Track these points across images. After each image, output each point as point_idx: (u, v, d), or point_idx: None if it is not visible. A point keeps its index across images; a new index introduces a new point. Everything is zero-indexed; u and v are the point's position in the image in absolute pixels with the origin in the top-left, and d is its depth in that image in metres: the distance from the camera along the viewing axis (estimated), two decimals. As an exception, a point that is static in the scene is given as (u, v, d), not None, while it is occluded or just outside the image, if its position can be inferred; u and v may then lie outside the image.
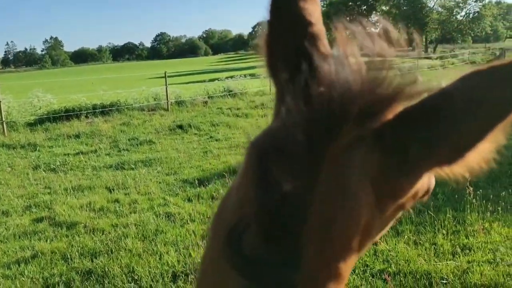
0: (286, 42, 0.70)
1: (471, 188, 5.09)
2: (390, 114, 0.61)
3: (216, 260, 0.65)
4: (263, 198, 0.59)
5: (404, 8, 67.22)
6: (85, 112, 14.27)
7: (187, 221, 5.59)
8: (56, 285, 4.39)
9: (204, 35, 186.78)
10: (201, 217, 5.67)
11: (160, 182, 7.44)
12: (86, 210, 6.37)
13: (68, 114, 14.06)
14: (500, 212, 5.03)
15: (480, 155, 0.62)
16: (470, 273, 4.00)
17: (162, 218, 5.82)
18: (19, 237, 5.58)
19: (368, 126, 0.60)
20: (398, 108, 0.61)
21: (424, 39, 70.00)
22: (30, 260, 4.95)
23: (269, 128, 0.66)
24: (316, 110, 0.59)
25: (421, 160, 0.60)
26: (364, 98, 0.59)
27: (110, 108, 14.68)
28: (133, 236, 5.29)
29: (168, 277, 4.33)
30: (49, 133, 12.46)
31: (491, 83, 0.60)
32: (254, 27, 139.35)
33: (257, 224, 0.60)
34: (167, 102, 15.65)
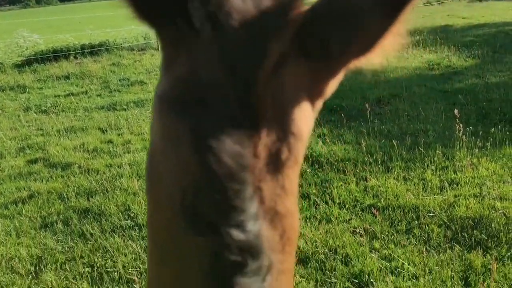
0: None
1: (461, 125, 5.15)
2: (298, 19, 0.58)
3: (167, 227, 0.64)
4: (205, 163, 0.57)
5: None
6: (74, 52, 13.93)
7: (181, 160, 5.65)
8: (54, 223, 4.50)
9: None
10: (195, 156, 5.74)
11: (152, 123, 7.43)
12: (80, 151, 6.40)
13: (56, 55, 13.73)
14: (488, 147, 5.12)
15: (393, 39, 0.61)
16: (456, 207, 4.14)
17: (156, 158, 5.87)
18: (15, 178, 5.64)
19: (286, 38, 0.57)
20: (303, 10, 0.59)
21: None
22: (27, 200, 5.04)
23: (173, 78, 0.61)
24: (232, 36, 0.56)
25: (342, 55, 0.60)
26: (275, 8, 0.57)
27: (99, 48, 14.33)
28: (128, 175, 5.36)
29: (163, 214, 4.44)
30: (37, 75, 12.24)
31: None
32: None
33: (209, 187, 0.58)
34: (157, 42, 15.29)
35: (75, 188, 5.20)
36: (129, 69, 12.17)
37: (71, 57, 13.73)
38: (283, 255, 0.64)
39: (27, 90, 10.72)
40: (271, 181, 0.62)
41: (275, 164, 0.62)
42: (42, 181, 5.50)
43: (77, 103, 9.17)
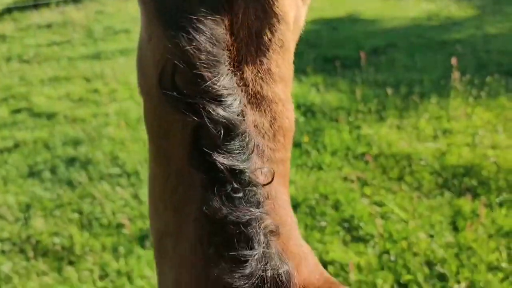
0: None
1: (457, 74, 5.04)
2: None
3: (155, 111, 0.69)
4: (179, 41, 0.59)
5: None
6: (55, 0, 13.37)
7: (169, 109, 5.52)
8: (41, 172, 4.41)
9: None
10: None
11: (140, 72, 7.21)
12: (65, 101, 6.22)
13: (37, 3, 13.17)
14: (483, 97, 5.04)
15: None
16: (448, 155, 4.09)
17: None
18: (-1, 128, 5.48)
19: None
20: None
21: None
22: (13, 149, 4.92)
23: None
24: None
25: None
26: None
27: (82, -4, 13.77)
28: (115, 124, 5.22)
29: (152, 162, 4.35)
30: (18, 24, 11.75)
31: None
32: None
33: (185, 65, 0.58)
34: None
35: (61, 137, 5.07)
36: (114, 17, 11.73)
37: (53, 5, 13.17)
38: (275, 143, 0.64)
39: (7, 40, 10.31)
40: (253, 63, 0.62)
41: (257, 45, 0.62)
42: (27, 130, 5.35)
43: (60, 52, 8.85)
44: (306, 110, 5.12)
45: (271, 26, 0.63)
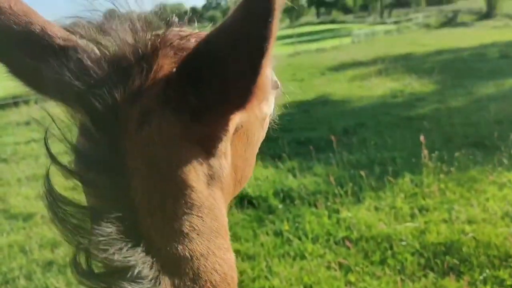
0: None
1: (426, 151, 5.24)
2: (162, 72, 0.63)
3: None
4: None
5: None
6: (34, 97, 13.62)
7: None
8: (16, 279, 4.25)
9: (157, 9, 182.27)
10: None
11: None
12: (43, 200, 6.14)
13: (16, 101, 13.42)
14: (454, 172, 5.22)
15: (264, 88, 0.61)
16: (427, 233, 4.15)
17: (123, 202, 5.69)
18: (-27, 234, 5.34)
19: (149, 94, 0.62)
20: (167, 64, 0.64)
21: (379, 5, 70.64)
22: (-14, 256, 4.76)
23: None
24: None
25: (215, 110, 0.63)
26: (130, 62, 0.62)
27: (60, 92, 14.10)
28: (94, 223, 5.15)
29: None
30: (-4, 122, 11.89)
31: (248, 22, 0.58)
32: None
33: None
34: None
35: (38, 239, 4.95)
36: (93, 112, 11.97)
37: (32, 102, 13.42)
38: None
39: (-15, 139, 10.35)
40: (160, 228, 0.65)
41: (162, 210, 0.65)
42: (3, 234, 5.21)
43: (38, 149, 8.88)
44: (284, 196, 5.18)
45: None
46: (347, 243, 4.09)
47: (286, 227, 4.49)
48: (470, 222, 4.29)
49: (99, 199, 0.63)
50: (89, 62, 0.61)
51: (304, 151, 6.55)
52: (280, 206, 4.95)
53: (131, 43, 0.63)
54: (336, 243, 4.21)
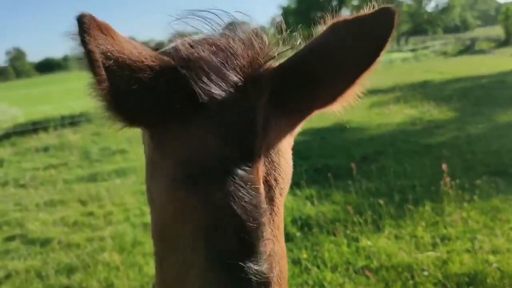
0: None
1: (447, 179, 5.15)
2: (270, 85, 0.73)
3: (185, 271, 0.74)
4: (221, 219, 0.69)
5: (374, 2, 68.24)
6: (53, 124, 13.89)
7: (165, 230, 5.47)
8: (32, 306, 4.22)
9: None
10: (180, 224, 5.56)
11: (135, 192, 7.27)
12: (60, 225, 6.18)
13: (36, 127, 13.67)
14: (476, 200, 5.10)
15: (352, 94, 0.78)
16: (450, 263, 4.03)
17: (140, 228, 5.68)
18: (-9, 258, 5.36)
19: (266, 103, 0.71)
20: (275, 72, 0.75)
21: (396, 32, 71.30)
22: (3, 280, 4.77)
23: (176, 162, 0.72)
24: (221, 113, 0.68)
25: (311, 107, 0.78)
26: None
27: (79, 119, 14.33)
28: (110, 249, 5.14)
29: (148, 289, 4.22)
30: (16, 148, 12.08)
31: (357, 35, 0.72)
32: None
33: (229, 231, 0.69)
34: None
35: (55, 265, 4.95)
36: (110, 138, 12.12)
37: (51, 129, 13.67)
38: None
39: (4, 164, 10.51)
40: (268, 222, 0.72)
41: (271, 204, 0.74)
42: (20, 259, 5.22)
43: (56, 175, 8.99)
44: (302, 224, 5.11)
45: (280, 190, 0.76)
46: (367, 272, 3.99)
47: (305, 255, 4.41)
48: (494, 252, 4.16)
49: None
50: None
51: (322, 179, 6.48)
52: (298, 234, 4.87)
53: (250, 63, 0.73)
54: (355, 272, 4.10)
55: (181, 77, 0.69)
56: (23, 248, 5.55)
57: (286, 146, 0.79)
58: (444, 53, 35.11)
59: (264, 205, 0.69)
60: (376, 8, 0.74)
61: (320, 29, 0.76)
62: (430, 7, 73.31)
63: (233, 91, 0.68)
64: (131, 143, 11.25)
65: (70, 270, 4.79)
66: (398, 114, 11.04)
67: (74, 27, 0.63)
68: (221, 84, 0.68)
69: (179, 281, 0.73)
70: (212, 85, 0.68)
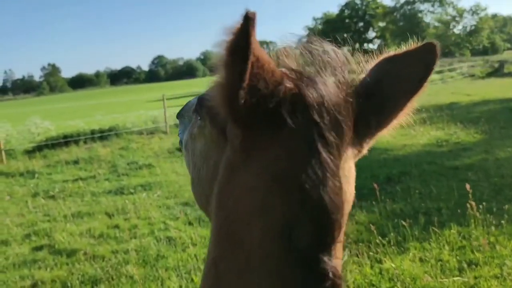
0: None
1: (473, 203, 5.05)
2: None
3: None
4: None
5: (401, 23, 68.12)
6: (84, 137, 14.25)
7: (188, 245, 5.52)
8: (57, 315, 4.30)
9: (202, 57, 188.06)
10: (203, 240, 5.60)
11: (160, 206, 7.37)
12: (86, 237, 6.30)
13: (67, 140, 14.05)
14: (504, 225, 4.98)
15: (404, 117, 0.89)
16: (478, 289, 3.93)
17: (163, 242, 5.75)
18: (19, 267, 5.50)
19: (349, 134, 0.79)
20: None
21: (422, 54, 70.57)
22: (29, 290, 4.87)
23: (270, 170, 0.77)
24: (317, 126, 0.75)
25: (374, 133, 0.87)
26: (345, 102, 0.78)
27: (108, 133, 14.66)
28: (134, 262, 5.21)
29: (170, 303, 4.25)
30: (47, 160, 12.42)
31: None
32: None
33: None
34: (166, 125, 15.64)
35: (80, 276, 5.04)
36: (138, 153, 12.35)
37: (81, 142, 14.02)
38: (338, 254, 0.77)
39: (36, 176, 10.81)
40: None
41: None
42: (46, 269, 5.35)
43: (85, 187, 9.19)
44: (325, 243, 5.07)
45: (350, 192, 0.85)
46: (391, 295, 3.93)
47: (327, 276, 4.36)
48: (524, 279, 4.04)
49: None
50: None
51: (346, 198, 6.43)
52: (321, 253, 4.84)
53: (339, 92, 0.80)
54: (379, 294, 4.04)
55: (299, 89, 0.77)
56: (50, 258, 5.68)
57: (352, 170, 0.85)
58: (472, 76, 34.56)
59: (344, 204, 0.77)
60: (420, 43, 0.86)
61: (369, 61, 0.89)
62: (457, 29, 72.45)
63: (333, 107, 0.76)
64: (157, 158, 11.43)
65: (94, 282, 4.87)
66: (424, 136, 10.90)
67: (236, 22, 0.67)
68: (327, 101, 0.76)
69: (242, 280, 0.77)
70: (320, 99, 0.76)
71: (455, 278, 4.16)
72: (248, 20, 0.66)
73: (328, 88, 0.77)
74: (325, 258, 0.71)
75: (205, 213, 1.06)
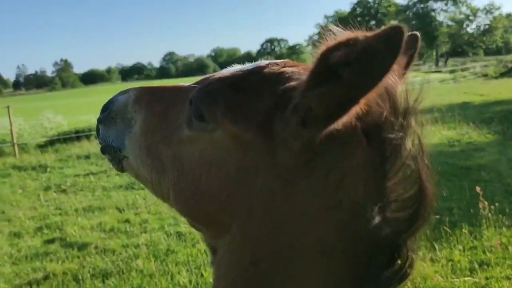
0: None
1: (486, 203, 5.00)
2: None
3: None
4: None
5: (414, 22, 67.55)
6: (95, 132, 14.33)
7: (198, 240, 5.55)
8: (68, 307, 4.35)
9: (213, 54, 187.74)
10: (213, 236, 5.60)
11: (170, 201, 7.39)
12: (97, 231, 6.36)
13: (78, 135, 14.16)
14: (517, 226, 4.93)
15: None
16: (489, 290, 3.90)
17: (173, 237, 5.78)
18: (31, 259, 5.57)
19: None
20: None
21: (434, 53, 69.84)
22: (41, 281, 4.93)
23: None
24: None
25: None
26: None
27: (119, 128, 14.73)
28: (144, 256, 5.25)
29: (180, 297, 4.27)
30: (59, 154, 12.54)
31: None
32: (262, 45, 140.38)
33: None
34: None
35: (91, 269, 5.09)
36: (149, 148, 12.37)
37: (93, 137, 14.12)
38: None
39: (48, 170, 10.92)
40: None
41: None
42: (58, 261, 5.41)
43: (96, 182, 9.26)
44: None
45: None
46: (401, 294, 3.91)
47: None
48: (536, 280, 4.00)
49: None
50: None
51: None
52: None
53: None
54: (388, 293, 4.02)
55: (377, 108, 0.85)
56: (61, 251, 5.74)
57: None
58: (485, 75, 34.20)
59: None
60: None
61: None
62: (471, 28, 71.64)
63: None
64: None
65: (105, 275, 4.92)
66: (436, 135, 10.81)
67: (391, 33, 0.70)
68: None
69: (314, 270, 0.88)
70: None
71: (466, 278, 4.13)
72: (402, 37, 0.69)
73: None
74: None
75: (199, 221, 1.05)
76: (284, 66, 0.98)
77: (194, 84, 1.18)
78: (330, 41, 0.76)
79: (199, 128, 0.99)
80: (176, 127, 1.06)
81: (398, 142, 0.85)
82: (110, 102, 1.27)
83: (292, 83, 0.89)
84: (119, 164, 1.24)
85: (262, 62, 1.04)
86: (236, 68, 1.08)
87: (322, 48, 0.74)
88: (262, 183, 0.88)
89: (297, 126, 0.82)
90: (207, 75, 1.17)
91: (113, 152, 1.23)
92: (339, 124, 0.78)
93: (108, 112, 1.24)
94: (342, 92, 0.74)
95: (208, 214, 1.00)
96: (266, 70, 0.97)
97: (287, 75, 0.93)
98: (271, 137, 0.87)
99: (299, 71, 0.95)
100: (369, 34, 0.71)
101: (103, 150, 1.27)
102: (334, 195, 0.84)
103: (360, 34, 0.72)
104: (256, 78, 0.97)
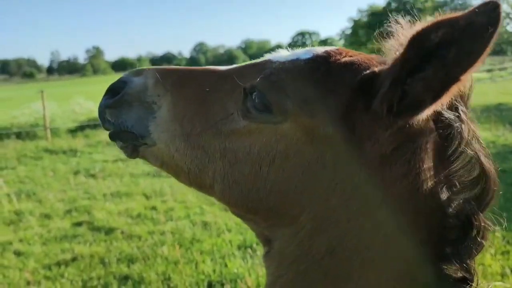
0: None
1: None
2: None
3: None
4: None
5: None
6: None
7: (223, 230, 5.55)
8: (95, 288, 4.43)
9: (243, 45, 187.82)
10: (238, 227, 5.61)
11: (196, 191, 7.43)
12: (124, 216, 6.44)
13: (108, 121, 14.38)
14: (553, 233, 4.74)
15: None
16: (521, 297, 3.77)
17: (199, 226, 5.81)
18: (60, 240, 5.70)
19: None
20: None
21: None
22: (70, 262, 5.04)
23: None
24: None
25: None
26: None
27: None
28: (170, 243, 5.29)
29: (203, 286, 4.29)
30: (89, 140, 12.79)
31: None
32: (293, 37, 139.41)
33: None
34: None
35: (117, 253, 5.16)
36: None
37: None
38: None
39: (78, 154, 11.14)
40: None
41: None
42: (86, 244, 5.51)
43: (124, 168, 9.40)
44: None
45: None
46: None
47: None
48: None
49: None
50: None
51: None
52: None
53: None
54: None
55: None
56: (89, 234, 5.85)
57: None
58: (524, 76, 33.10)
59: None
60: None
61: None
62: (511, 26, 69.39)
63: None
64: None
65: (130, 260, 4.98)
66: (469, 136, 10.50)
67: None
68: None
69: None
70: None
71: (497, 283, 3.98)
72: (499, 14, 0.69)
73: None
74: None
75: (256, 213, 1.01)
76: (347, 55, 0.94)
77: (231, 68, 1.09)
78: (419, 26, 0.75)
79: (261, 120, 0.94)
80: (226, 117, 1.00)
81: (459, 127, 0.87)
82: (122, 83, 1.15)
83: (371, 72, 0.85)
84: (134, 151, 1.15)
85: (317, 49, 0.98)
86: (288, 54, 1.02)
87: (413, 32, 0.73)
88: (343, 174, 0.86)
89: (387, 116, 0.80)
90: (251, 62, 1.11)
91: (129, 139, 1.13)
92: (437, 106, 0.78)
93: (122, 95, 1.13)
94: (444, 72, 0.73)
95: (270, 206, 0.96)
96: (332, 59, 0.92)
97: (357, 65, 0.90)
98: (354, 129, 0.84)
99: (365, 60, 0.91)
100: (461, 13, 0.71)
101: (115, 136, 1.16)
102: (414, 181, 0.85)
103: (452, 14, 0.72)
104: (325, 68, 0.92)
